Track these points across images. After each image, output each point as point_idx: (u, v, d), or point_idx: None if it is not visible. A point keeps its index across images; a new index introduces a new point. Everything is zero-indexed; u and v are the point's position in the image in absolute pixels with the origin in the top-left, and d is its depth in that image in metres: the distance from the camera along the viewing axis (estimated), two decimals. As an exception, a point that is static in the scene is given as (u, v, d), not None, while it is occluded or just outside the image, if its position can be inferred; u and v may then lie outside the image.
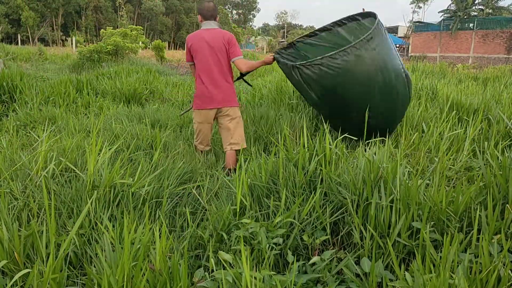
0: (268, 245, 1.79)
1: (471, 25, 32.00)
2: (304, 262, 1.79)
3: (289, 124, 4.02)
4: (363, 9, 3.90)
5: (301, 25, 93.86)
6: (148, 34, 55.77)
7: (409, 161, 2.90)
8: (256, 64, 3.40)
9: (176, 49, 50.94)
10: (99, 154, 2.59)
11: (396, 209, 1.92)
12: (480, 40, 31.06)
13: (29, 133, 4.14)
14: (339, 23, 4.06)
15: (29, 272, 1.54)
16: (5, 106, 5.39)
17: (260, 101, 5.44)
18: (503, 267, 1.49)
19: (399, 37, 51.47)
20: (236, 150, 3.33)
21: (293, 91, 5.17)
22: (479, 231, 1.85)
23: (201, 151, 3.50)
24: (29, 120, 4.55)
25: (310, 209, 2.06)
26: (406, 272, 1.53)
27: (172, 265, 1.55)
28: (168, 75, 10.54)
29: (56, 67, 12.62)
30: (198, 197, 2.45)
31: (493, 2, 34.78)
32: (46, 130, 3.13)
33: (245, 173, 2.25)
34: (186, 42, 3.40)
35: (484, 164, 2.31)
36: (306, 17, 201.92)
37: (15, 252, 1.68)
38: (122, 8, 51.83)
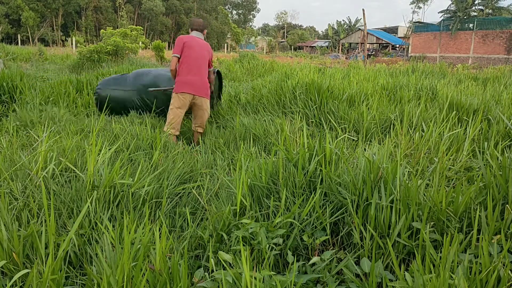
0: (268, 245, 1.78)
1: (471, 25, 32.02)
2: (304, 262, 1.79)
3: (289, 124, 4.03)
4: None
5: (301, 25, 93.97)
6: (148, 34, 55.81)
7: (409, 161, 2.90)
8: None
9: (176, 49, 50.62)
10: (99, 154, 2.59)
11: (396, 209, 1.91)
12: (480, 41, 31.08)
13: (29, 133, 4.14)
14: None
15: (28, 272, 1.54)
16: (5, 106, 5.38)
17: (260, 101, 5.44)
18: (503, 268, 1.49)
19: (399, 37, 51.56)
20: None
21: (293, 92, 5.16)
22: (479, 231, 1.85)
23: (175, 136, 4.15)
24: (29, 120, 4.55)
25: (310, 210, 2.06)
26: (406, 272, 1.53)
27: (172, 265, 1.55)
28: (168, 75, 10.51)
29: (56, 67, 12.62)
30: (198, 197, 2.45)
31: (493, 2, 34.78)
32: (46, 130, 3.13)
33: (245, 173, 2.25)
34: (180, 39, 4.17)
35: (484, 165, 2.31)
36: (306, 17, 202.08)
37: (13, 253, 1.68)
38: (122, 8, 51.84)
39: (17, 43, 36.16)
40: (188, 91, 4.17)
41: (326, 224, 2.00)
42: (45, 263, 1.58)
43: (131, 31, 15.85)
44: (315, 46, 59.79)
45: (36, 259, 1.74)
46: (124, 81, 5.30)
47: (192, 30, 4.37)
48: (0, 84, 5.56)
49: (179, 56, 4.13)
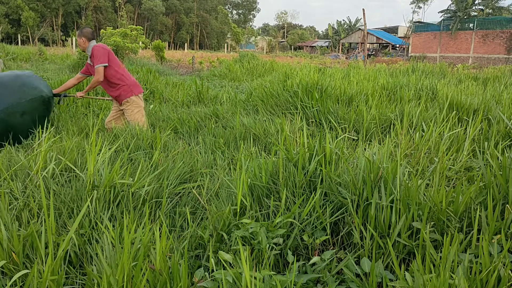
0: (268, 245, 1.78)
1: (471, 25, 32.02)
2: (304, 262, 1.79)
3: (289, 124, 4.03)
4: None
5: (301, 25, 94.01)
6: (148, 34, 55.80)
7: (409, 161, 2.90)
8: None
9: (176, 49, 50.94)
10: (99, 154, 2.59)
11: (396, 209, 1.91)
12: (480, 40, 31.07)
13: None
14: None
15: (28, 272, 1.54)
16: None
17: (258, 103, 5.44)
18: (503, 267, 1.49)
19: (399, 37, 51.56)
20: None
21: (293, 91, 5.16)
22: (479, 231, 1.85)
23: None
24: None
25: (310, 209, 2.06)
26: (406, 272, 1.53)
27: (172, 265, 1.55)
28: (168, 75, 10.54)
29: (56, 67, 12.62)
30: (198, 197, 2.45)
31: (493, 2, 34.78)
32: (46, 130, 3.13)
33: (245, 173, 2.25)
34: (104, 49, 4.26)
35: (484, 164, 2.31)
36: (306, 17, 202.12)
37: (13, 252, 1.68)
38: (122, 8, 51.85)
39: (17, 43, 36.17)
40: (142, 90, 4.62)
41: (326, 224, 2.00)
42: (45, 263, 1.57)
43: (131, 31, 15.83)
44: (315, 46, 59.80)
45: (36, 259, 1.74)
46: None
47: (89, 40, 4.36)
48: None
49: (106, 65, 4.27)
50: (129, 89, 4.40)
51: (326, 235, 1.98)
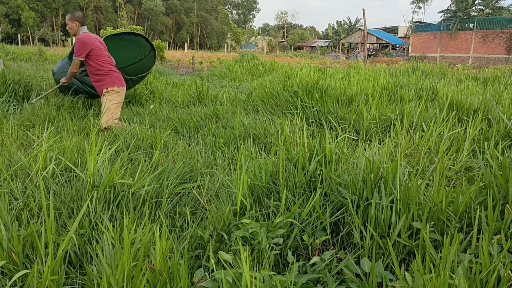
0: (268, 245, 1.78)
1: (471, 25, 32.05)
2: (304, 262, 1.79)
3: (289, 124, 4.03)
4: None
5: (301, 25, 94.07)
6: (148, 34, 55.84)
7: (409, 161, 2.90)
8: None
9: (176, 49, 50.94)
10: (99, 154, 2.59)
11: (396, 209, 1.91)
12: (480, 40, 31.09)
13: (30, 132, 4.13)
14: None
15: (28, 273, 1.54)
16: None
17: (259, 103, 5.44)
18: (503, 267, 1.49)
19: (399, 37, 51.57)
20: None
21: (294, 91, 5.16)
22: (479, 231, 1.85)
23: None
24: (29, 120, 4.54)
25: (310, 209, 2.06)
26: (406, 272, 1.53)
27: (172, 265, 1.55)
28: (168, 75, 10.55)
29: (56, 67, 12.58)
30: (198, 197, 2.45)
31: (493, 2, 34.80)
32: (46, 130, 3.13)
33: (245, 173, 2.25)
34: (84, 43, 4.22)
35: (484, 164, 2.31)
36: (306, 17, 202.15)
37: (13, 253, 1.68)
38: (122, 8, 51.86)
39: (17, 43, 36.19)
40: (124, 84, 4.56)
41: (326, 224, 2.00)
42: (45, 263, 1.57)
43: (131, 31, 15.82)
44: (315, 46, 59.83)
45: (36, 259, 1.74)
46: None
47: (82, 25, 4.36)
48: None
49: (83, 60, 4.28)
50: (111, 80, 4.37)
51: (326, 235, 1.98)
